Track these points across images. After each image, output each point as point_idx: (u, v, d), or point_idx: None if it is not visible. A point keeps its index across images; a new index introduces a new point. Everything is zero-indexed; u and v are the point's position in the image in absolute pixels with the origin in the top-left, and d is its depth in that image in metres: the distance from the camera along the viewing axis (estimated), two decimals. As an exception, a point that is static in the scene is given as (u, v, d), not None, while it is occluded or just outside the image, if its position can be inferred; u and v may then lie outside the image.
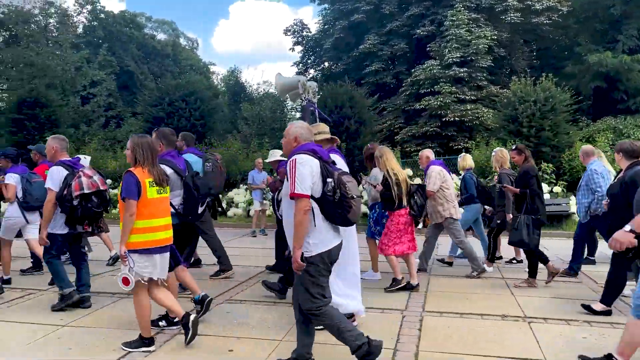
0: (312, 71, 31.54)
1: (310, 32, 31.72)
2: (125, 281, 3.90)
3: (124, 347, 4.01)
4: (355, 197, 3.38)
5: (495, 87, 22.27)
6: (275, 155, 7.19)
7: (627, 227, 3.23)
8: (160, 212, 4.03)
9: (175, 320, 4.47)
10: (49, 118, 18.84)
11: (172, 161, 4.82)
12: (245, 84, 35.14)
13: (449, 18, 22.41)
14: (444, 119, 21.12)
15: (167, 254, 4.13)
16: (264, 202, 11.32)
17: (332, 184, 3.34)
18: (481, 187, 7.50)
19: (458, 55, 21.46)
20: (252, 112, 24.32)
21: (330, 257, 3.43)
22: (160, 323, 4.55)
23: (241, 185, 14.84)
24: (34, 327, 4.59)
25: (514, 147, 6.37)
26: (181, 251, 4.89)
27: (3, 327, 4.62)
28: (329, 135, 4.71)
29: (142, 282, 3.93)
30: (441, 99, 21.06)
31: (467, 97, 21.30)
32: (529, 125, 13.96)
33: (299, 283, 3.43)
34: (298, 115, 22.50)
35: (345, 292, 4.30)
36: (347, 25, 27.01)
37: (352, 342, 3.40)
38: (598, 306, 4.93)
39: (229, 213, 14.06)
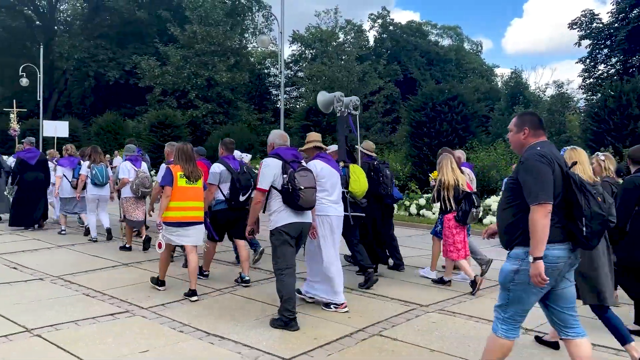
0: (601, 67, 27.36)
1: (602, 22, 27.46)
2: (159, 245, 5.56)
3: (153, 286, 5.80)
4: (303, 188, 4.47)
5: None
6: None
7: None
8: (188, 197, 5.50)
9: (205, 273, 6.33)
10: (329, 124, 21.11)
11: (226, 161, 6.16)
12: (527, 85, 32.78)
13: None
14: None
15: (200, 227, 5.58)
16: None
17: (287, 179, 4.52)
18: None
19: None
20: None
21: (288, 231, 4.61)
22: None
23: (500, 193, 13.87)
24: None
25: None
26: (219, 231, 6.16)
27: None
28: (315, 144, 5.36)
29: (171, 245, 5.68)
30: None
31: None
32: None
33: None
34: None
35: (335, 277, 5.13)
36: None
37: (282, 313, 4.57)
38: None
39: (485, 221, 13.29)
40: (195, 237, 5.56)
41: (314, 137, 5.48)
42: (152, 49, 33.15)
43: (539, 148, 3.11)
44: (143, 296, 5.49)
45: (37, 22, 41.29)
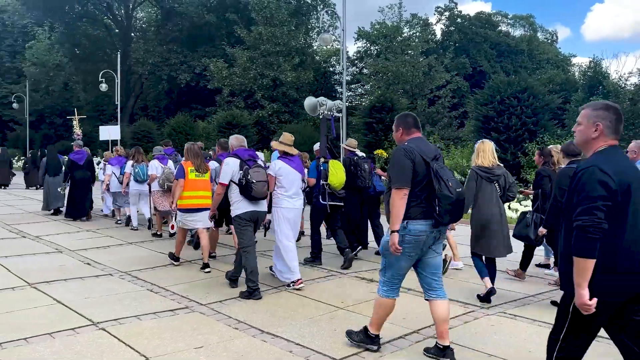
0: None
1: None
2: (172, 227, 7.25)
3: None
4: (255, 182, 5.40)
5: None
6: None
7: None
8: (198, 187, 6.68)
9: (212, 254, 7.15)
10: (393, 122, 20.83)
11: (220, 159, 6.93)
12: (607, 74, 30.72)
13: None
14: None
15: (207, 212, 6.31)
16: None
17: (242, 174, 5.46)
18: None
19: None
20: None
21: (245, 217, 5.58)
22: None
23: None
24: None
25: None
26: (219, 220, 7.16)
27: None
28: (285, 147, 6.05)
29: (185, 228, 6.90)
30: None
31: None
32: None
33: None
34: None
35: (293, 258, 5.93)
36: None
37: (247, 284, 5.49)
38: None
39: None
40: (204, 220, 6.65)
41: (285, 140, 6.14)
42: (221, 51, 34.15)
43: (406, 144, 3.83)
44: (203, 293, 5.65)
45: (116, 30, 43.70)
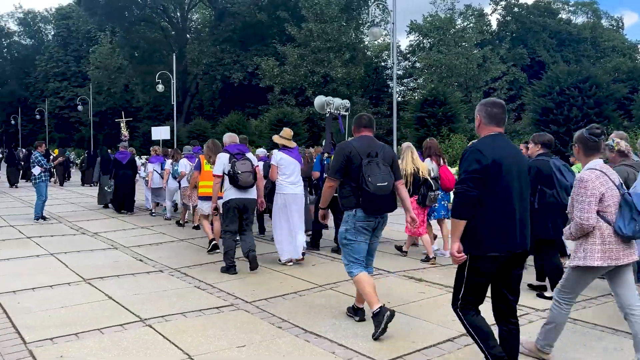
0: None
1: None
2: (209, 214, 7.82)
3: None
4: (240, 172, 6.17)
5: None
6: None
7: None
8: (211, 177, 6.95)
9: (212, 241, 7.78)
10: (446, 115, 20.34)
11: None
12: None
13: None
14: None
15: (220, 200, 6.73)
16: None
17: (230, 166, 6.24)
18: None
19: None
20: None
21: (232, 203, 6.32)
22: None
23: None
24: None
25: None
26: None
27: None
28: (284, 141, 6.86)
29: (203, 213, 7.88)
30: None
31: None
32: None
33: None
34: None
35: (287, 240, 6.76)
36: None
37: (227, 263, 6.43)
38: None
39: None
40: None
41: (285, 134, 6.93)
42: (272, 50, 34.47)
43: (349, 141, 4.58)
44: (249, 291, 5.65)
45: (172, 32, 45.02)
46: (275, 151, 7.02)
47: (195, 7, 46.88)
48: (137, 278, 6.27)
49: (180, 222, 10.44)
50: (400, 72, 34.38)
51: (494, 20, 41.78)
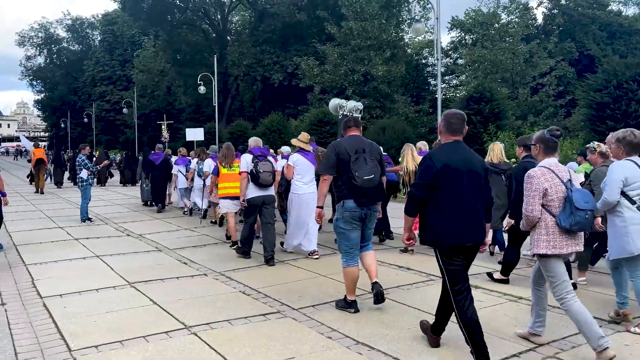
0: None
1: None
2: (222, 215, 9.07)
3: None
4: (262, 172, 6.89)
5: None
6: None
7: None
8: (228, 179, 8.08)
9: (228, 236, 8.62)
10: (493, 111, 19.63)
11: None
12: None
13: None
14: None
15: (237, 200, 7.74)
16: None
17: (253, 166, 6.94)
18: None
19: None
20: None
21: (254, 201, 7.06)
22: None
23: None
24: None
25: None
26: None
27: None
28: (301, 144, 7.45)
29: (231, 213, 8.19)
30: None
31: None
32: None
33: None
34: None
35: (297, 234, 7.38)
36: None
37: (243, 248, 7.35)
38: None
39: None
40: (234, 206, 8.09)
41: (303, 138, 7.60)
42: (312, 49, 34.30)
43: (339, 140, 5.08)
44: (295, 296, 5.44)
45: (213, 35, 45.54)
46: (293, 153, 7.77)
47: (235, 9, 47.25)
48: (181, 282, 6.16)
49: (213, 220, 10.71)
50: (442, 69, 33.58)
51: (539, 14, 40.37)
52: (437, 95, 15.11)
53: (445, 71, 35.38)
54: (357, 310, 4.88)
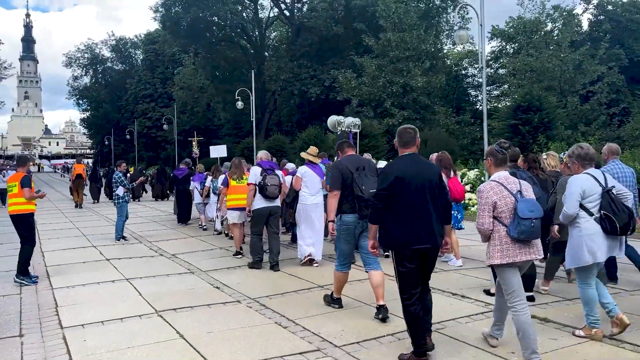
0: None
1: None
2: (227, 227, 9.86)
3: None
4: (269, 185, 7.39)
5: None
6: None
7: None
8: (237, 191, 8.49)
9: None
10: (542, 121, 18.63)
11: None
12: None
13: None
14: None
15: (244, 211, 8.01)
16: None
17: (261, 178, 7.47)
18: None
19: None
20: None
21: (260, 212, 7.56)
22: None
23: None
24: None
25: None
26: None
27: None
28: (310, 157, 7.88)
29: (233, 222, 8.61)
30: None
31: None
32: None
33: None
34: None
35: (308, 242, 7.73)
36: None
37: (254, 259, 7.78)
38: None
39: None
40: (241, 217, 8.52)
41: (312, 151, 7.99)
42: (349, 62, 33.87)
43: (340, 160, 5.59)
44: (337, 330, 4.84)
45: (251, 51, 45.82)
46: (303, 166, 7.98)
47: (272, 24, 47.49)
48: (213, 310, 5.65)
49: (227, 232, 10.84)
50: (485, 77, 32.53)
51: (585, 20, 38.83)
52: (477, 106, 14.36)
53: (486, 81, 34.32)
54: (341, 307, 5.47)
